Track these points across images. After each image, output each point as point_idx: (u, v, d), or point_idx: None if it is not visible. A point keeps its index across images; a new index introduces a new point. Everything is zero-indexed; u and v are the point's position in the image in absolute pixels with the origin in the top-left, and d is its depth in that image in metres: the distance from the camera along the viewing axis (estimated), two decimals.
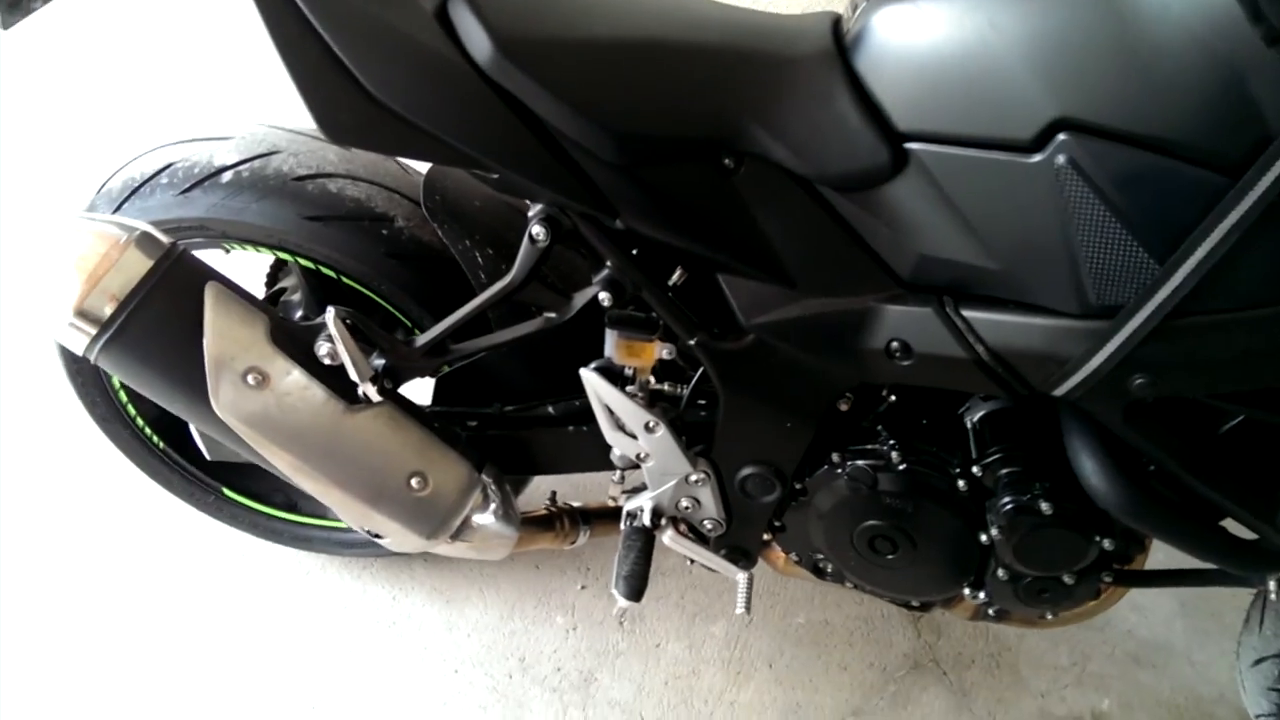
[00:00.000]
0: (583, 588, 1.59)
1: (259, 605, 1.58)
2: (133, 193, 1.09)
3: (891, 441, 1.02)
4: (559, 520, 1.21)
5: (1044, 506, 0.94)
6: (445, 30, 0.81)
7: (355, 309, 1.07)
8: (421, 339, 1.00)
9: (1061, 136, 0.74)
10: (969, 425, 1.03)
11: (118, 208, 1.10)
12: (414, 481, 1.01)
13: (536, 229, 0.93)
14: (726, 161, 0.87)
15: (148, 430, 1.39)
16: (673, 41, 0.87)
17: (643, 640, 1.54)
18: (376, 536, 1.06)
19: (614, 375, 1.03)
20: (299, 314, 1.24)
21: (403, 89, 0.81)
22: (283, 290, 1.31)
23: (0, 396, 1.87)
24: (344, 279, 1.13)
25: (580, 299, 0.97)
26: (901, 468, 1.01)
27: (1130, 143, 0.72)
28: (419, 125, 0.83)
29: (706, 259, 0.92)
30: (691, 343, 0.97)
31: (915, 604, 1.19)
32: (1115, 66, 0.72)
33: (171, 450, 1.42)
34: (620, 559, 1.10)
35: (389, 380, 0.99)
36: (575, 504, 1.26)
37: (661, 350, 1.01)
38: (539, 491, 1.35)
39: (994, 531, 0.98)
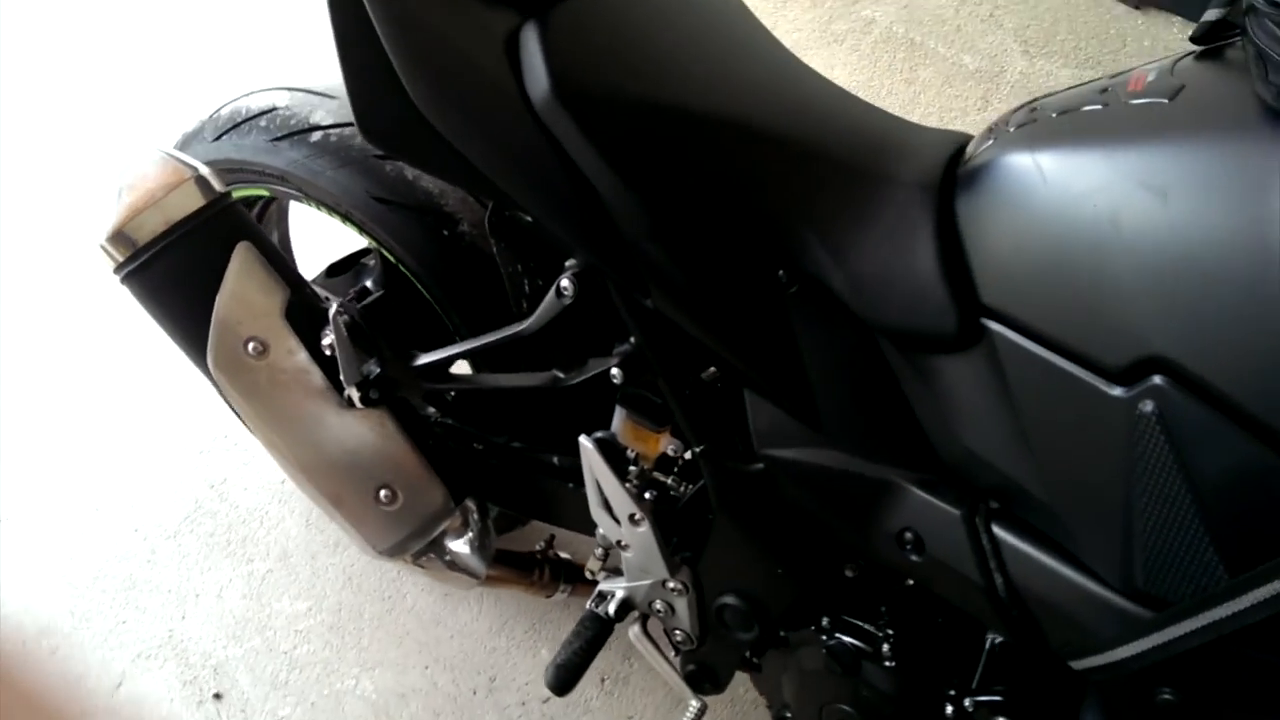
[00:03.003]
0: None
1: (273, 546, 1.62)
2: (234, 126, 1.10)
3: (889, 631, 0.88)
4: (538, 569, 1.14)
5: None
6: (509, 57, 0.75)
7: (405, 300, 1.04)
8: (420, 359, 0.95)
9: (1156, 379, 0.58)
10: (988, 645, 0.88)
11: (219, 136, 1.12)
12: (382, 494, 0.97)
13: (565, 283, 0.85)
14: (780, 274, 0.76)
15: None
16: (753, 124, 0.76)
17: (618, 706, 1.45)
18: None
19: (615, 452, 0.94)
20: (370, 281, 1.23)
21: (445, 110, 0.75)
22: (367, 252, 1.31)
23: None
24: (401, 267, 1.10)
25: (594, 366, 0.89)
26: (889, 664, 0.87)
27: (1235, 418, 0.56)
28: (458, 150, 0.77)
29: (733, 369, 0.81)
30: (696, 450, 0.87)
31: None
32: (1242, 320, 0.55)
33: None
34: (566, 642, 1.02)
35: (377, 390, 0.95)
36: (566, 556, 1.19)
37: (668, 445, 0.91)
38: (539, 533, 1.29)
39: None
